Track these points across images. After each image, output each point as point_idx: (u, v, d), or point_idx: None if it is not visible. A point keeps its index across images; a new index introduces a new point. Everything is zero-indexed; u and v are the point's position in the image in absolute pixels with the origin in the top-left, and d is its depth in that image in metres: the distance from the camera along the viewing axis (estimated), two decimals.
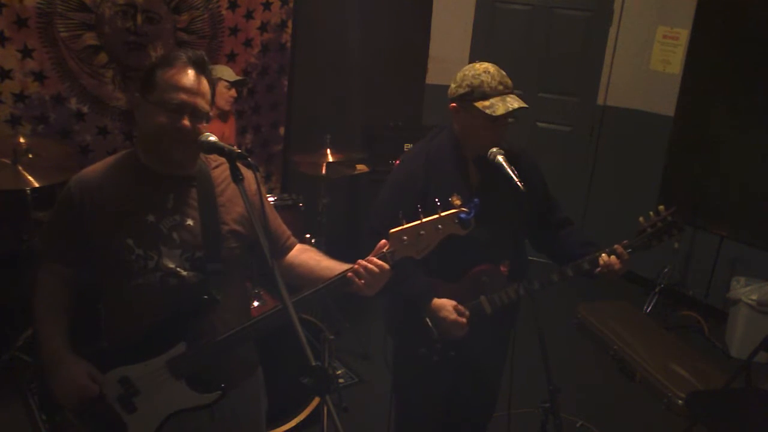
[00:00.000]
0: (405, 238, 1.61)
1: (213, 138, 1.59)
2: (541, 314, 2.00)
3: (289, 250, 1.87)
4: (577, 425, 3.30)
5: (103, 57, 3.68)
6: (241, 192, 1.51)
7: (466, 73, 2.06)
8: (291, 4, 4.30)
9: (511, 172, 1.99)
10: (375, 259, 1.61)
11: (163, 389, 1.65)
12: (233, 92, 3.64)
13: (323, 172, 3.75)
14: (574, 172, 5.25)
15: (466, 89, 2.04)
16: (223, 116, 3.68)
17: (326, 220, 3.88)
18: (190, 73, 1.60)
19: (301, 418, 2.98)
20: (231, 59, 4.13)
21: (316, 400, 2.97)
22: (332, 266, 1.75)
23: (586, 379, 3.75)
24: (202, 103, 1.62)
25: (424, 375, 2.25)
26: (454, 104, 2.10)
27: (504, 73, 2.07)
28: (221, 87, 3.54)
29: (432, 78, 5.25)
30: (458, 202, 1.67)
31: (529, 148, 2.33)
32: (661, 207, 2.15)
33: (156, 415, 1.67)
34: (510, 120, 2.04)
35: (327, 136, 3.76)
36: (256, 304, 2.98)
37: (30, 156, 3.05)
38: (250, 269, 1.95)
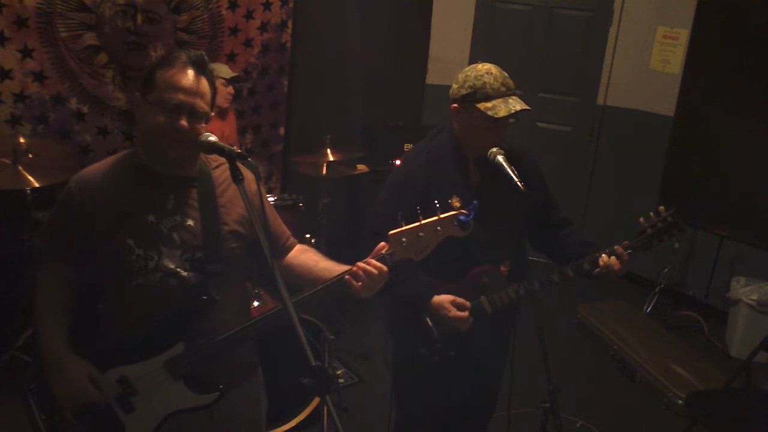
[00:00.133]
0: (404, 239, 1.61)
1: (213, 138, 1.59)
2: (541, 314, 2.00)
3: (289, 251, 1.87)
4: (577, 425, 3.30)
5: (103, 57, 3.68)
6: (241, 192, 1.51)
7: (468, 73, 2.06)
8: (291, 4, 4.30)
9: (511, 172, 1.99)
10: (373, 262, 1.61)
11: (161, 389, 1.65)
12: (230, 89, 3.64)
13: (323, 172, 3.75)
14: (574, 172, 5.25)
15: (468, 90, 2.04)
16: (221, 114, 3.68)
17: (326, 220, 3.88)
18: (190, 73, 1.60)
19: (301, 418, 2.98)
20: (231, 59, 4.13)
21: (316, 400, 2.97)
22: (330, 267, 1.75)
23: (586, 379, 3.75)
24: (201, 104, 1.61)
25: (425, 375, 2.24)
26: (455, 105, 2.10)
27: (506, 74, 2.06)
28: (218, 84, 3.53)
29: (432, 78, 5.25)
30: (457, 204, 1.67)
31: (529, 148, 2.33)
32: (662, 207, 2.15)
33: (154, 416, 1.67)
34: (511, 120, 2.04)
35: (327, 136, 3.76)
36: (256, 304, 2.98)
37: (30, 156, 3.04)
38: (250, 269, 1.95)
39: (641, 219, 2.17)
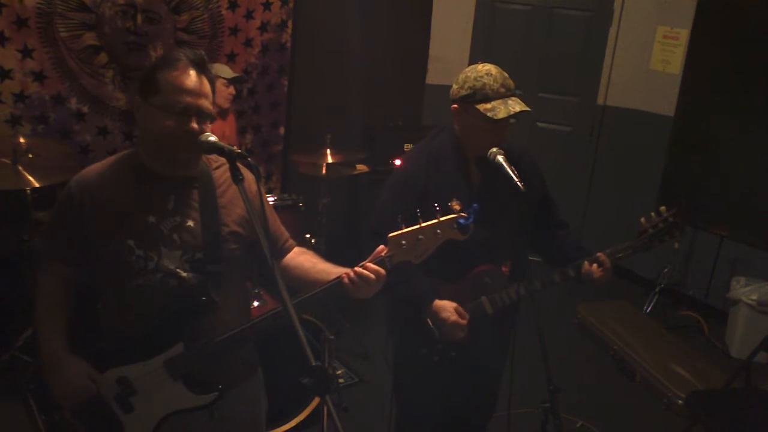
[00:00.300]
0: (404, 242, 1.61)
1: (213, 138, 1.58)
2: (541, 314, 2.00)
3: (287, 253, 1.87)
4: (577, 425, 3.30)
5: (103, 57, 3.68)
6: (241, 192, 1.50)
7: (468, 74, 2.06)
8: (291, 4, 4.30)
9: (511, 172, 1.99)
10: (371, 265, 1.61)
11: (160, 389, 1.65)
12: (232, 89, 3.65)
13: (323, 172, 3.75)
14: (574, 172, 5.25)
15: (468, 91, 2.04)
16: (222, 114, 3.68)
17: (326, 220, 3.88)
18: (192, 74, 1.60)
19: (301, 418, 2.98)
20: (231, 59, 4.13)
21: (316, 400, 2.97)
22: (327, 269, 1.75)
23: (586, 379, 3.75)
24: (207, 104, 1.62)
25: (425, 375, 2.25)
26: (455, 105, 2.10)
27: (506, 75, 2.06)
28: (219, 84, 3.55)
29: (432, 78, 5.25)
30: (457, 207, 1.67)
31: (529, 148, 2.32)
32: (663, 207, 2.15)
33: (153, 416, 1.67)
34: (512, 121, 2.04)
35: (327, 136, 3.76)
36: (256, 304, 2.98)
37: (30, 156, 3.04)
38: (250, 270, 1.95)
39: (642, 219, 2.17)
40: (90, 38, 3.62)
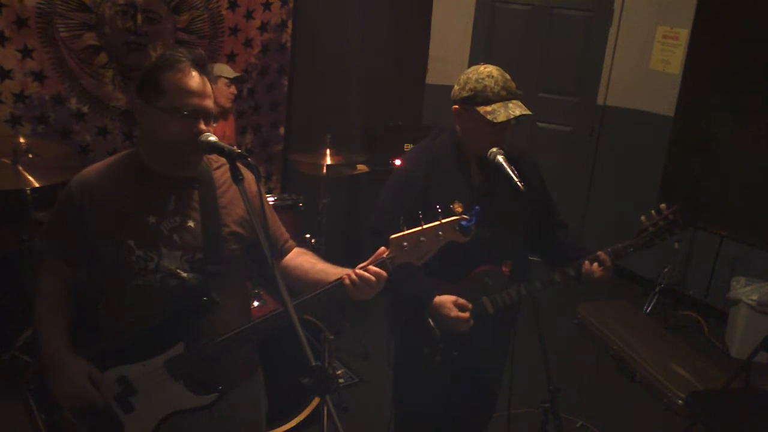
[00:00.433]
0: (405, 244, 1.60)
1: (213, 138, 1.58)
2: (541, 314, 2.00)
3: (287, 253, 1.87)
4: (577, 425, 3.30)
5: (103, 57, 3.68)
6: (241, 192, 1.50)
7: (470, 76, 2.06)
8: (291, 4, 4.30)
9: (511, 172, 1.99)
10: (372, 267, 1.60)
11: (160, 390, 1.65)
12: (233, 89, 3.65)
13: (323, 172, 3.75)
14: (574, 172, 5.25)
15: (469, 93, 2.04)
16: (224, 114, 3.68)
17: (326, 220, 3.88)
18: (195, 75, 1.60)
19: (301, 418, 2.98)
20: (231, 59, 4.13)
21: (316, 400, 2.97)
22: (327, 269, 1.75)
23: (586, 379, 3.75)
24: (211, 104, 1.62)
25: (425, 375, 2.24)
26: (456, 106, 2.10)
27: (508, 77, 2.06)
28: (221, 84, 3.55)
29: (432, 78, 5.25)
30: (460, 209, 1.67)
31: (529, 148, 2.32)
32: (663, 205, 2.15)
33: (153, 415, 1.67)
34: (512, 122, 2.04)
35: (327, 136, 3.76)
36: (256, 304, 2.98)
37: (30, 156, 3.04)
38: (250, 270, 1.95)
39: (643, 217, 2.17)
40: (90, 38, 3.62)
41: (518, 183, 1.96)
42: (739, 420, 2.78)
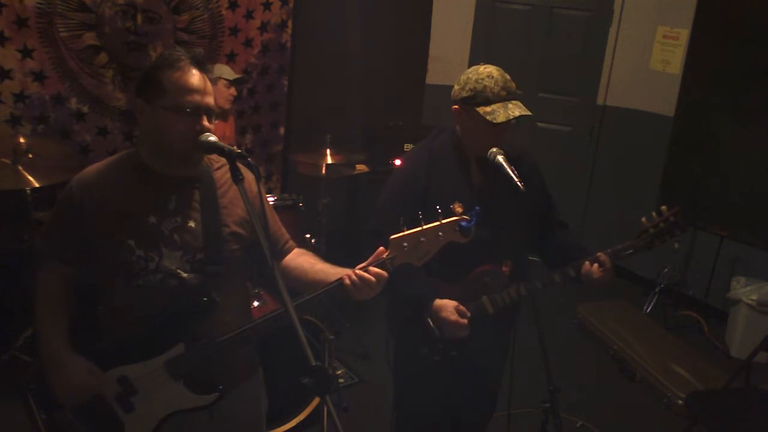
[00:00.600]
0: (405, 244, 1.60)
1: (213, 138, 1.58)
2: (541, 314, 2.00)
3: (287, 254, 1.87)
4: (577, 425, 3.30)
5: (103, 57, 3.68)
6: (241, 192, 1.50)
7: (470, 76, 2.06)
8: (291, 4, 4.30)
9: (511, 172, 1.99)
10: (372, 268, 1.60)
11: (161, 389, 1.65)
12: (233, 90, 3.64)
13: (323, 172, 3.75)
14: (574, 172, 5.25)
15: (469, 93, 2.04)
16: (223, 115, 3.68)
17: (326, 220, 3.88)
18: (196, 73, 1.60)
19: (301, 418, 2.98)
20: (231, 59, 4.13)
21: (316, 400, 2.97)
22: (326, 269, 1.75)
23: (586, 379, 3.75)
24: (212, 102, 1.63)
25: (425, 375, 2.24)
26: (456, 106, 2.10)
27: (508, 77, 2.06)
28: (221, 86, 3.54)
29: (432, 78, 5.25)
30: (460, 210, 1.67)
31: (529, 148, 2.32)
32: (664, 207, 2.15)
33: (153, 415, 1.67)
34: (512, 122, 2.04)
35: (327, 136, 3.76)
36: (256, 304, 2.98)
37: (30, 156, 3.05)
38: (250, 270, 1.95)
39: (643, 219, 2.17)
40: (90, 38, 3.62)
41: (518, 183, 1.96)
42: (739, 420, 2.78)
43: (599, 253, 2.12)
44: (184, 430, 1.71)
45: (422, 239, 1.60)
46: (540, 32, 5.10)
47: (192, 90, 1.58)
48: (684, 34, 4.62)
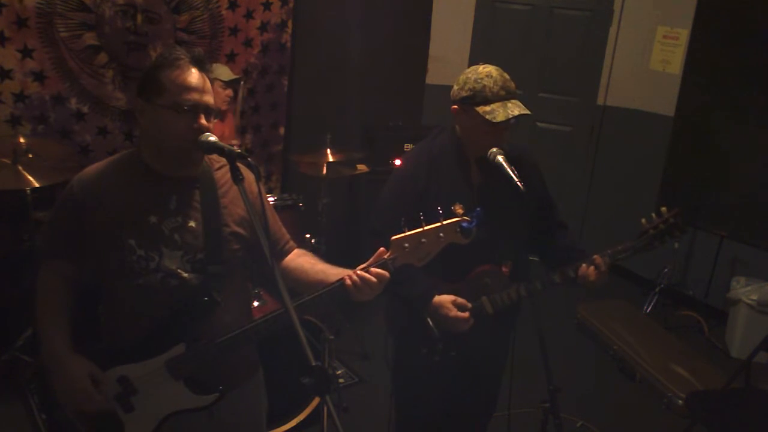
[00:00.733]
0: (406, 245, 1.60)
1: (213, 138, 1.59)
2: (541, 314, 2.00)
3: (287, 254, 1.87)
4: (577, 425, 3.30)
5: (103, 57, 3.68)
6: (241, 192, 1.50)
7: (469, 76, 2.06)
8: (291, 4, 4.30)
9: (511, 173, 1.99)
10: (374, 269, 1.60)
11: (161, 389, 1.65)
12: (229, 92, 3.63)
13: (323, 172, 3.75)
14: (574, 172, 5.25)
15: (468, 93, 2.04)
16: (221, 116, 3.68)
17: (326, 220, 3.88)
18: (194, 71, 1.61)
19: (301, 418, 2.98)
20: (231, 59, 4.13)
21: (316, 400, 2.97)
22: (326, 270, 1.75)
23: (586, 379, 3.75)
24: (212, 100, 1.63)
25: (425, 375, 2.25)
26: (455, 106, 2.10)
27: (507, 76, 2.06)
28: (216, 87, 3.53)
29: (432, 78, 5.25)
30: (461, 211, 1.67)
31: (529, 148, 2.33)
32: (664, 208, 2.15)
33: (153, 415, 1.67)
34: (512, 122, 2.04)
35: (327, 136, 3.76)
36: (256, 304, 2.98)
37: (30, 156, 3.05)
38: (250, 270, 1.96)
39: (643, 220, 2.17)
40: (90, 38, 3.62)
41: (518, 183, 1.97)
42: (739, 420, 2.78)
43: (595, 256, 2.12)
44: (184, 430, 1.71)
45: (423, 240, 1.60)
46: (540, 32, 5.10)
47: (190, 88, 1.58)
48: (684, 34, 4.62)
